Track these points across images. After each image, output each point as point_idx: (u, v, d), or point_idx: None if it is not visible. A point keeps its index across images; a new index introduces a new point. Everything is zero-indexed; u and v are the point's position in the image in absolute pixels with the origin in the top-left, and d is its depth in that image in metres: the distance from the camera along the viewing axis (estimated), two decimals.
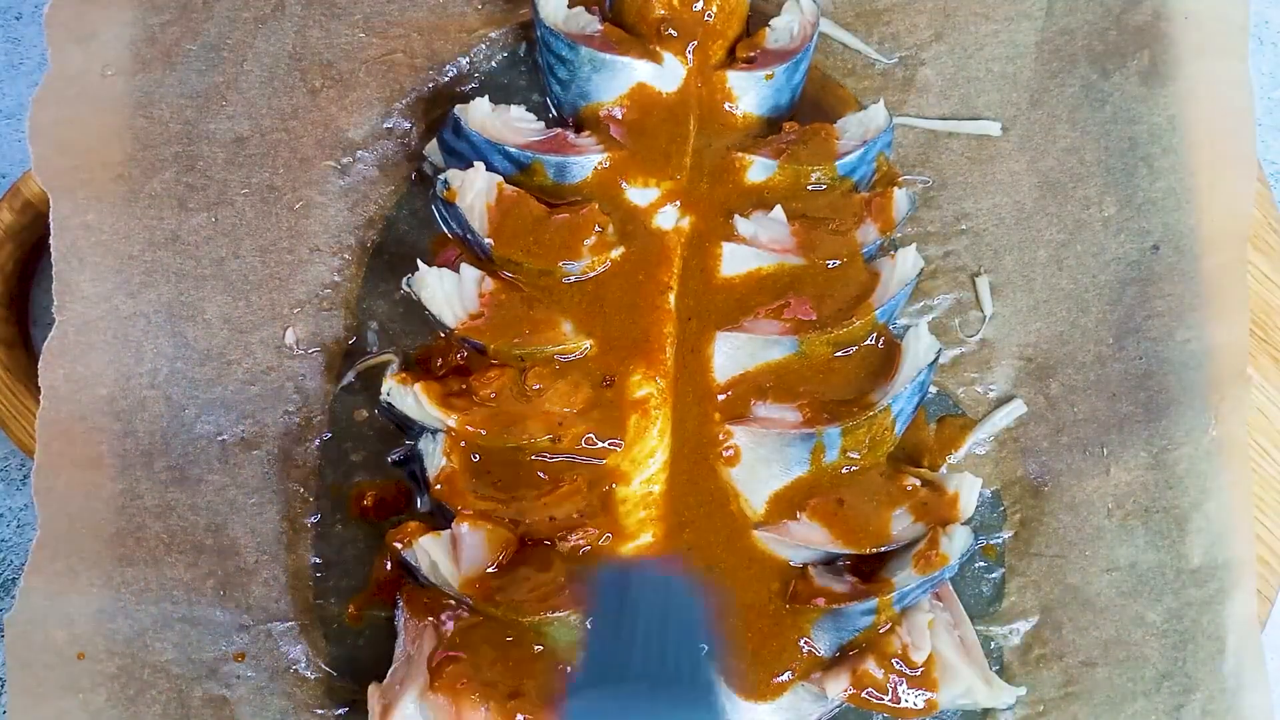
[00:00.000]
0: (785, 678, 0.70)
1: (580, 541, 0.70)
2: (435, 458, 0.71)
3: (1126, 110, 0.80)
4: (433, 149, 0.78)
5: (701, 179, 0.77)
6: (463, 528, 0.69)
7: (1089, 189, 0.80)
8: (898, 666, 0.69)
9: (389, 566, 0.73)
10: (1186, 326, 0.77)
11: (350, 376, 0.76)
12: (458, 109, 0.75)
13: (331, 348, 0.76)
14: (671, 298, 0.74)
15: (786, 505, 0.72)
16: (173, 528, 0.72)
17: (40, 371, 0.71)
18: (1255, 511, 0.77)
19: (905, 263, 0.75)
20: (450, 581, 0.68)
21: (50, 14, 0.74)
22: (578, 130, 0.79)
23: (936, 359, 0.73)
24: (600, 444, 0.72)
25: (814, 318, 0.74)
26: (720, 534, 0.72)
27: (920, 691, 0.69)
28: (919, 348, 0.73)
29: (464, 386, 0.72)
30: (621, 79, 0.77)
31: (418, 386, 0.71)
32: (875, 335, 0.75)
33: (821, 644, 0.70)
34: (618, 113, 0.77)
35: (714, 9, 0.78)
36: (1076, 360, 0.78)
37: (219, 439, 0.74)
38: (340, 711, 0.72)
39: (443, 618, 0.69)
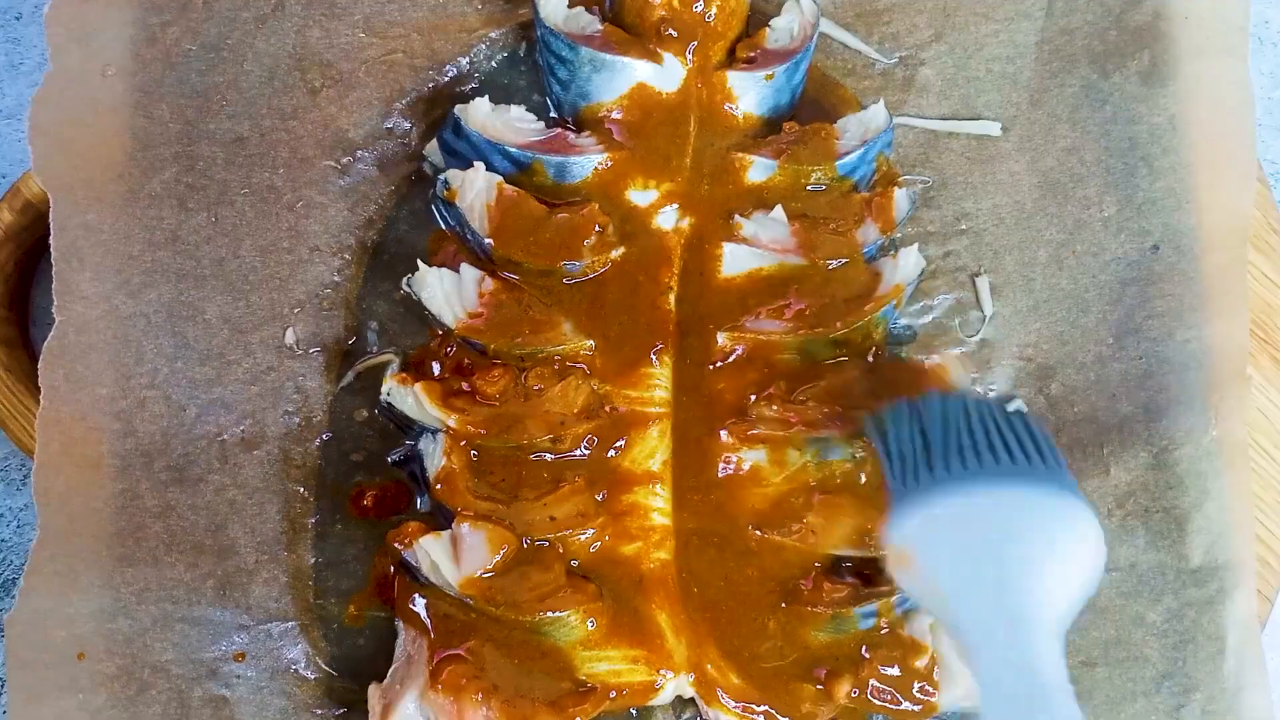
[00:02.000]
0: (786, 678, 0.70)
1: (581, 541, 0.70)
2: (435, 458, 0.71)
3: (1126, 110, 0.80)
4: (433, 149, 0.78)
5: (702, 179, 0.77)
6: (463, 528, 0.69)
7: (1089, 189, 0.80)
8: (899, 669, 0.69)
9: (391, 569, 0.73)
10: (1186, 326, 0.77)
11: (350, 376, 0.76)
12: (458, 109, 0.75)
13: (331, 348, 0.76)
14: (672, 298, 0.74)
15: (789, 506, 0.72)
16: (173, 528, 0.72)
17: (40, 371, 0.71)
18: (1255, 511, 0.77)
19: (906, 263, 0.75)
20: (450, 581, 0.68)
21: (50, 14, 0.74)
22: (578, 130, 0.78)
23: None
24: (601, 444, 0.72)
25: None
26: (722, 533, 0.72)
27: (921, 694, 0.69)
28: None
29: (464, 386, 0.72)
30: (621, 79, 0.77)
31: (418, 386, 0.71)
32: None
33: (823, 646, 0.70)
34: (618, 113, 0.77)
35: (714, 9, 0.78)
36: (1076, 360, 0.78)
37: (219, 439, 0.73)
38: (340, 711, 0.72)
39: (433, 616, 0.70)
